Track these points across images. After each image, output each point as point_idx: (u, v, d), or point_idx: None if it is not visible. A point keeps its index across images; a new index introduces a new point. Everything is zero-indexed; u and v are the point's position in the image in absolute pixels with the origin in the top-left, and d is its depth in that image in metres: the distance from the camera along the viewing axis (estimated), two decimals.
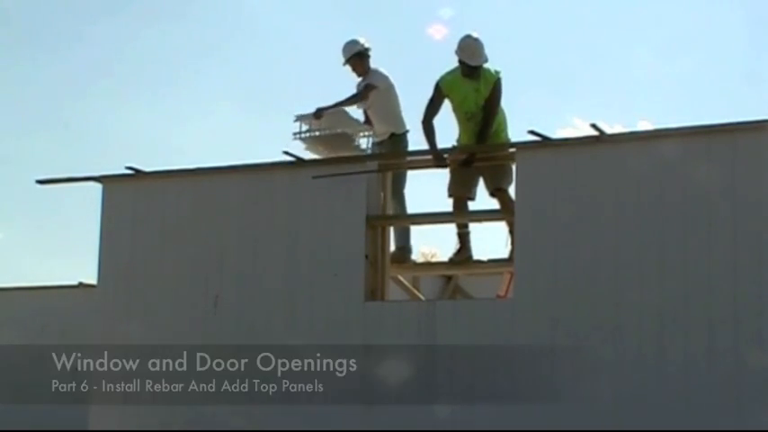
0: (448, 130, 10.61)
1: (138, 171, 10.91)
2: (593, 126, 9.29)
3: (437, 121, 10.63)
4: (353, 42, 11.19)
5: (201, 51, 26.62)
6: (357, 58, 11.16)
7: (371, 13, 25.57)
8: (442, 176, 10.58)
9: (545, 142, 9.54)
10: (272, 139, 26.05)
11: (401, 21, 24.10)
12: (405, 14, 24.09)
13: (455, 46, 10.35)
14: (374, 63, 11.25)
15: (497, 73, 10.34)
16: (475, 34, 10.28)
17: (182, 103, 27.13)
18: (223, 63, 26.54)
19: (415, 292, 10.86)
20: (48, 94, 27.20)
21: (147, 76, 26.94)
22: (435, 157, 10.36)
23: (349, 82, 11.32)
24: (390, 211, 10.66)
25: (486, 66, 10.30)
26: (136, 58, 26.80)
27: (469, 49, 10.26)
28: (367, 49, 11.22)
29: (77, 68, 26.82)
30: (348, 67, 11.22)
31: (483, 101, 10.29)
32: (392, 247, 10.60)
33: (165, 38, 26.22)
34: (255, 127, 26.70)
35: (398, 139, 11.13)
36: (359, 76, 11.23)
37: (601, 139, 9.34)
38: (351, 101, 11.09)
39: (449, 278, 11.98)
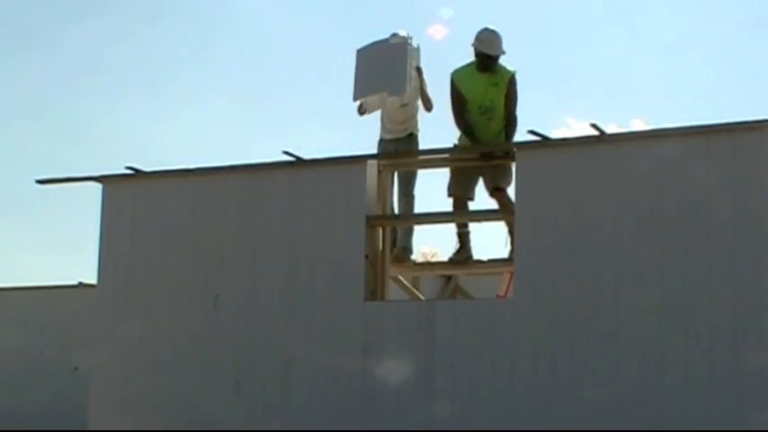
0: (448, 130, 10.63)
1: (137, 171, 10.90)
2: (593, 126, 9.28)
3: (440, 121, 10.69)
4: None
5: (194, 49, 26.65)
6: None
7: (371, 12, 25.59)
8: (442, 176, 10.60)
9: (545, 142, 9.54)
10: (268, 133, 26.07)
11: (401, 21, 24.11)
12: (405, 14, 24.10)
13: (457, 45, 10.47)
14: None
15: (513, 70, 10.36)
16: (492, 27, 10.36)
17: (177, 100, 27.15)
18: (218, 60, 26.58)
19: (415, 292, 10.85)
20: (46, 94, 27.21)
21: (142, 73, 26.96)
22: (483, 155, 10.28)
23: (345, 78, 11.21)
24: (399, 211, 10.67)
25: (501, 62, 10.33)
26: (134, 57, 26.82)
27: (488, 40, 10.32)
28: None
29: (77, 68, 26.83)
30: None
31: (501, 96, 10.29)
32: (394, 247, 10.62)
33: (157, 36, 26.25)
34: (249, 122, 26.74)
35: (415, 139, 11.17)
36: None
37: (601, 138, 9.33)
38: (427, 100, 10.93)
39: (449, 278, 11.97)
